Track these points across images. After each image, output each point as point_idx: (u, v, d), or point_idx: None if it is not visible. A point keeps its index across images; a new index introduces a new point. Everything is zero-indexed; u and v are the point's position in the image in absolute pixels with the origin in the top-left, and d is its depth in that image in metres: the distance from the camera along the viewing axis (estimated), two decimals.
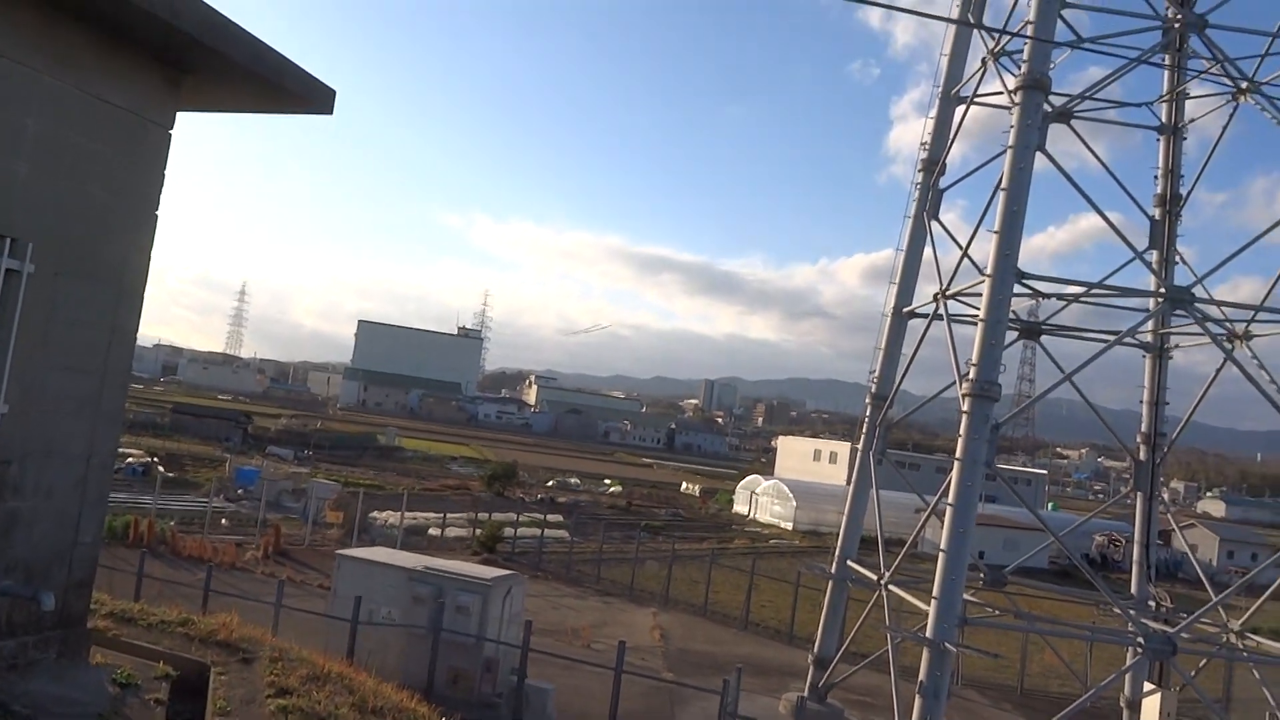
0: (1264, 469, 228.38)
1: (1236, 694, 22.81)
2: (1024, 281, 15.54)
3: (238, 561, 26.86)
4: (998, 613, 19.28)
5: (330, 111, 8.10)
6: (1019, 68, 15.77)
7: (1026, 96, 15.20)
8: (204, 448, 59.29)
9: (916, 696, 14.19)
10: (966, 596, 15.55)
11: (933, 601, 14.41)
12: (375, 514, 37.53)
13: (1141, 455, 19.51)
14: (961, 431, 14.67)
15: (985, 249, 15.35)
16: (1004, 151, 15.47)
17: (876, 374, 20.73)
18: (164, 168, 7.73)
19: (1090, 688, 17.49)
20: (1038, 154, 15.28)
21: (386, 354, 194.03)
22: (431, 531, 37.15)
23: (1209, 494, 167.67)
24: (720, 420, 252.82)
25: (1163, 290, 16.86)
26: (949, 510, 14.52)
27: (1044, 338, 18.17)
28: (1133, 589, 19.76)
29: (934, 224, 19.26)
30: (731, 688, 15.37)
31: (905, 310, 20.43)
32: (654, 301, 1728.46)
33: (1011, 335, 16.55)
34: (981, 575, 18.38)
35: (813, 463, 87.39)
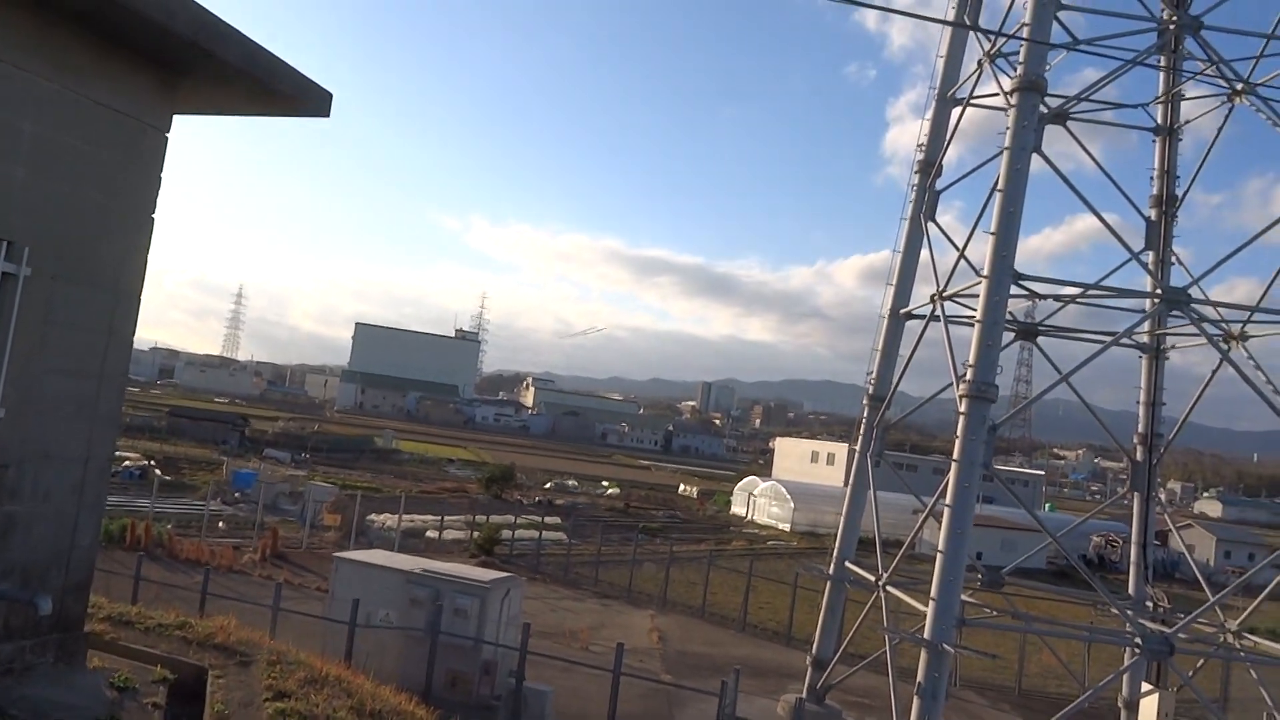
0: (1260, 469, 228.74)
1: (1234, 694, 22.83)
2: (1020, 283, 15.56)
3: (235, 564, 26.82)
4: (995, 613, 19.30)
5: (327, 114, 8.11)
6: (1015, 69, 15.80)
7: (1022, 98, 15.23)
8: (201, 451, 59.19)
9: (914, 697, 14.19)
10: (964, 597, 15.56)
11: (930, 602, 14.42)
12: (373, 517, 37.49)
13: (1138, 456, 19.53)
14: (959, 433, 14.69)
15: (982, 250, 15.38)
16: (1000, 153, 15.50)
17: (874, 375, 20.75)
18: (161, 171, 7.73)
19: (1088, 688, 17.50)
20: (1034, 155, 15.31)
21: (384, 357, 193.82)
22: (429, 534, 37.11)
23: (1206, 494, 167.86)
24: (718, 422, 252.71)
25: (1159, 291, 16.89)
26: (946, 511, 14.53)
27: (1041, 339, 18.20)
28: (1130, 589, 19.78)
29: (931, 225, 19.28)
30: (730, 689, 15.37)
31: (902, 312, 20.46)
32: (651, 303, 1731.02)
33: (1008, 336, 16.58)
34: (979, 576, 18.40)
35: (810, 464, 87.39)
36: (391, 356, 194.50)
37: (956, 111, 19.79)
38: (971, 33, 19.03)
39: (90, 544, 7.47)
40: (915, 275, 20.73)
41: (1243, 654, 17.67)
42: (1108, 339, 17.28)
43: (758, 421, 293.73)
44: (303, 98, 7.75)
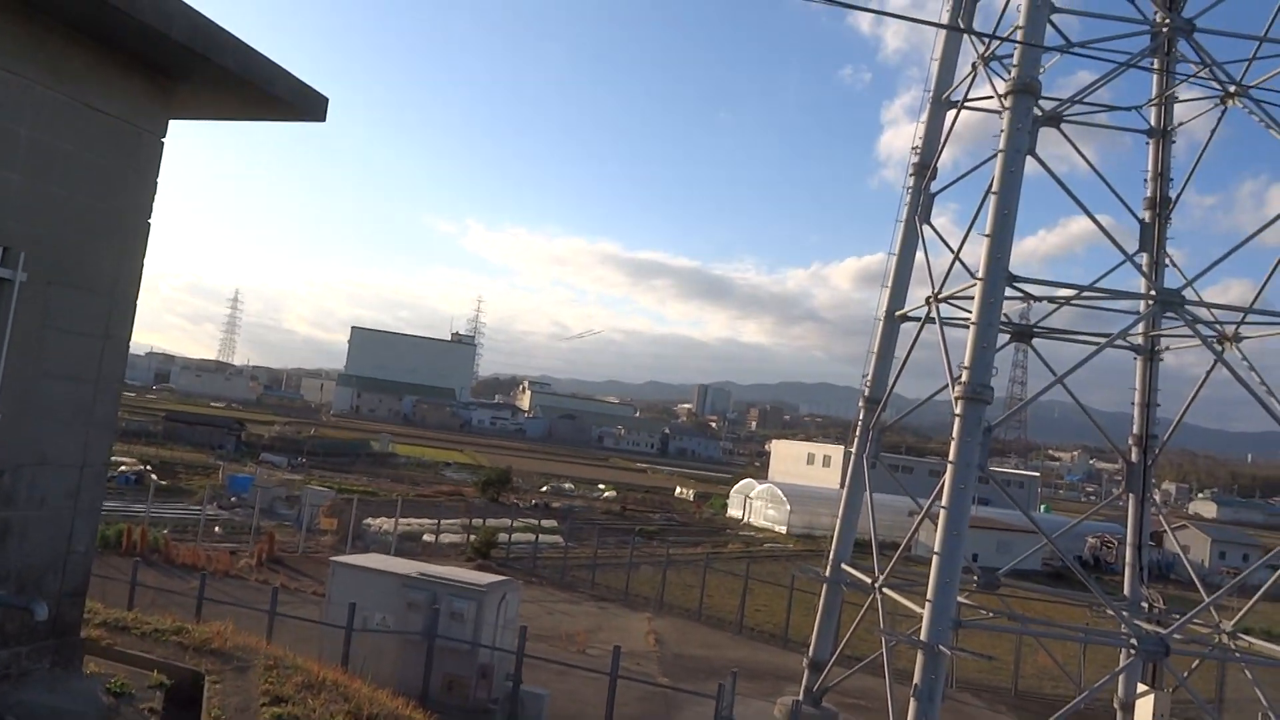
0: (1255, 470, 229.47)
1: (1229, 694, 22.90)
2: (1015, 284, 15.61)
3: (232, 569, 26.77)
4: (991, 615, 19.35)
5: (323, 118, 8.11)
6: (1009, 72, 15.87)
7: (1016, 101, 15.29)
8: (197, 455, 59.05)
9: (911, 699, 14.21)
10: (960, 599, 15.60)
11: (927, 604, 14.44)
12: (369, 521, 37.45)
13: (1133, 457, 19.59)
14: (954, 434, 14.73)
15: (977, 252, 15.44)
16: (994, 155, 15.55)
17: (869, 377, 20.79)
18: (157, 176, 7.73)
19: (1084, 689, 17.53)
20: (1028, 158, 15.37)
21: (380, 360, 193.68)
22: (426, 538, 37.07)
23: (1200, 495, 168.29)
24: (714, 425, 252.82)
25: (1153, 293, 16.96)
26: (942, 513, 14.56)
27: (1035, 340, 18.27)
28: (1125, 590, 19.83)
29: (925, 228, 19.34)
30: (726, 692, 15.37)
31: (898, 314, 20.50)
32: (647, 306, 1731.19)
33: (1003, 338, 16.63)
34: (975, 578, 18.43)
35: (806, 466, 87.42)
36: (387, 360, 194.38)
37: (951, 114, 19.84)
38: (966, 36, 19.11)
39: (86, 549, 7.46)
40: (910, 278, 20.78)
41: (1238, 654, 17.72)
42: (1102, 340, 17.33)
43: (754, 424, 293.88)
44: (299, 103, 7.75)
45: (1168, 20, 17.28)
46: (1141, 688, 18.23)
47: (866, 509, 19.55)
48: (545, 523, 43.71)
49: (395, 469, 73.03)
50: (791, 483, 70.73)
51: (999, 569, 19.84)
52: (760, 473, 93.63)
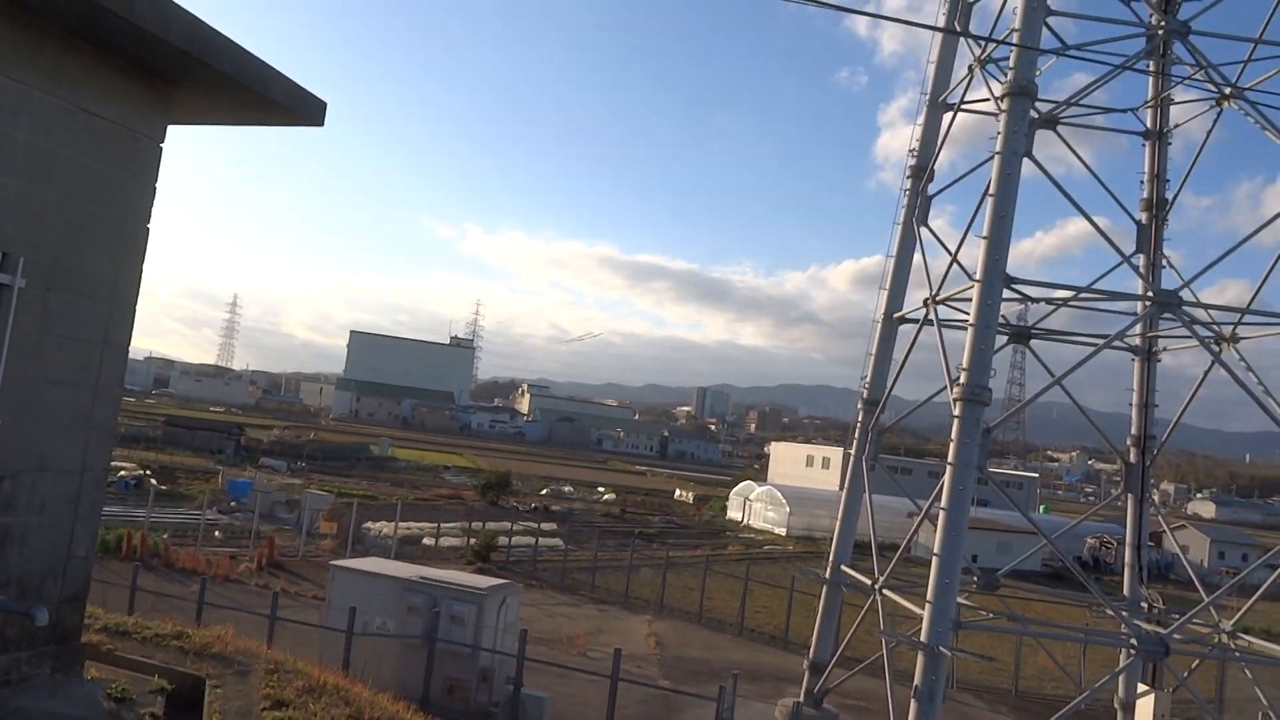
0: (1253, 470, 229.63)
1: (1229, 694, 22.91)
2: (1013, 286, 15.63)
3: (232, 574, 26.75)
4: (991, 616, 19.36)
5: (321, 123, 8.13)
6: (1005, 75, 15.90)
7: (1013, 103, 15.33)
8: (196, 460, 59.01)
9: (911, 700, 14.22)
10: (960, 600, 15.61)
11: (927, 605, 14.45)
12: (369, 524, 37.43)
13: (1131, 457, 19.62)
14: (953, 436, 14.74)
15: (974, 254, 15.46)
16: (991, 157, 15.58)
17: (868, 379, 20.81)
18: (155, 181, 7.75)
19: (1084, 689, 17.54)
20: (1025, 160, 15.40)
21: (379, 364, 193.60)
22: (425, 541, 37.06)
23: (1199, 495, 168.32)
24: (713, 427, 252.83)
25: (1150, 294, 16.99)
26: (941, 514, 14.58)
27: (1033, 342, 18.28)
28: (1125, 591, 19.84)
29: (923, 230, 19.37)
30: (727, 694, 15.37)
31: (896, 316, 20.52)
32: (645, 309, 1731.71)
33: (1001, 340, 16.64)
34: (975, 579, 18.44)
35: (805, 468, 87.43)
36: (386, 364, 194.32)
37: (948, 117, 19.89)
38: (962, 39, 19.15)
39: (86, 555, 7.46)
40: (908, 280, 20.81)
41: (1237, 654, 17.74)
42: (1100, 342, 17.36)
43: (753, 426, 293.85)
44: (297, 107, 7.77)
45: (1163, 23, 17.32)
46: (1142, 688, 18.24)
47: (866, 511, 19.57)
48: (545, 526, 43.70)
49: (395, 473, 72.99)
50: (791, 485, 70.73)
51: (998, 570, 19.85)
52: (760, 475, 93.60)
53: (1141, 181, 19.96)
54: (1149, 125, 19.95)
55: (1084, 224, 16.34)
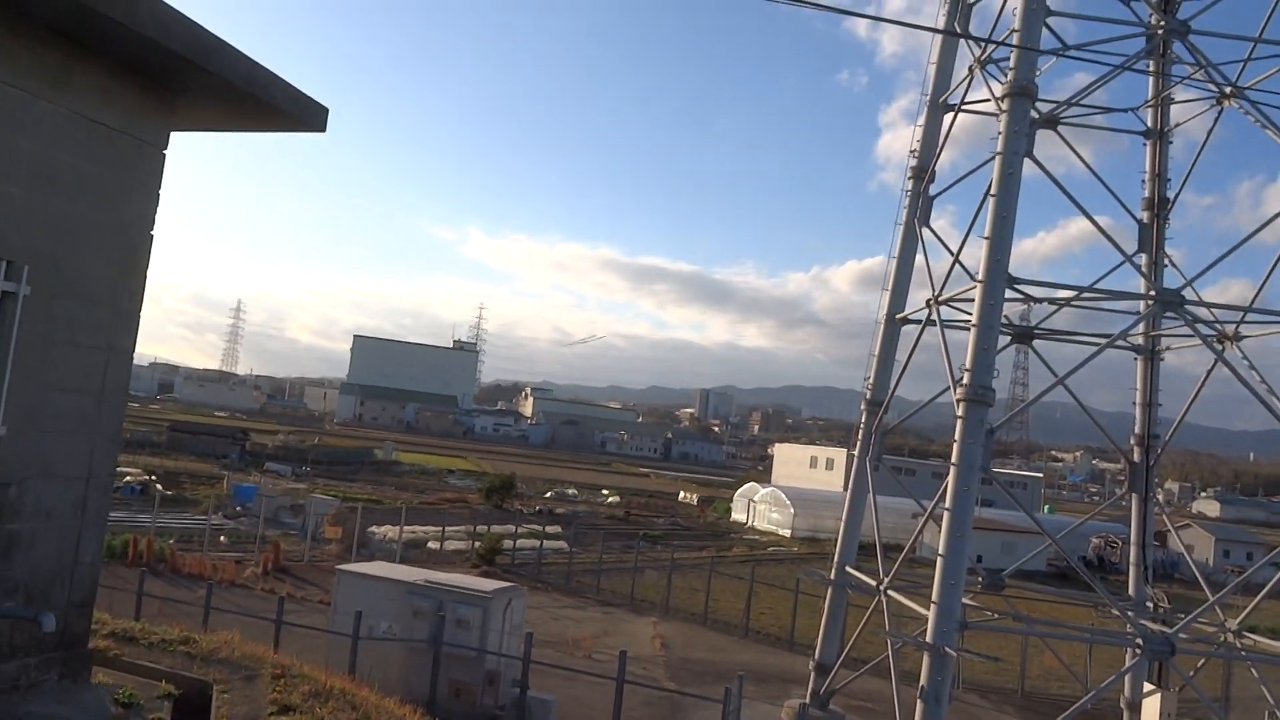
0: (1257, 468, 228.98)
1: (1235, 693, 22.85)
2: (1015, 286, 15.62)
3: (238, 578, 26.79)
4: (997, 616, 19.33)
5: (323, 128, 8.17)
6: (1005, 75, 15.90)
7: (1013, 103, 15.33)
8: (202, 465, 59.12)
9: (918, 701, 14.21)
10: (965, 600, 15.60)
11: (932, 606, 14.44)
12: (374, 529, 37.48)
13: (1135, 457, 19.58)
14: (957, 436, 14.73)
15: (976, 255, 15.45)
16: (993, 158, 15.58)
17: (871, 380, 20.80)
18: (159, 188, 7.79)
19: (1090, 689, 17.52)
20: (1026, 160, 15.40)
21: (382, 368, 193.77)
22: (430, 545, 37.09)
23: (1203, 494, 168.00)
24: (716, 429, 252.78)
25: (1152, 293, 16.97)
26: (946, 515, 14.56)
27: (1036, 342, 18.27)
28: (1130, 590, 19.81)
29: (925, 231, 19.36)
30: (733, 696, 15.38)
31: (898, 317, 20.51)
32: (648, 311, 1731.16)
33: (1004, 340, 16.63)
34: (980, 579, 18.42)
35: (809, 470, 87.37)
36: (390, 368, 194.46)
37: (948, 117, 19.87)
38: (962, 39, 19.15)
39: (93, 560, 7.49)
40: (910, 280, 20.78)
41: (1243, 653, 17.70)
42: (1103, 341, 17.34)
43: (756, 428, 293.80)
44: (299, 113, 7.81)
45: (1163, 22, 17.32)
46: (1148, 687, 18.20)
47: (870, 512, 19.55)
48: (549, 529, 43.72)
49: (399, 477, 73.06)
50: (795, 486, 70.67)
51: (1003, 570, 19.79)
52: (763, 476, 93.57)
53: (1143, 181, 19.94)
54: (1150, 125, 19.93)
55: (1085, 224, 16.33)
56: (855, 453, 21.15)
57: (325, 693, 9.15)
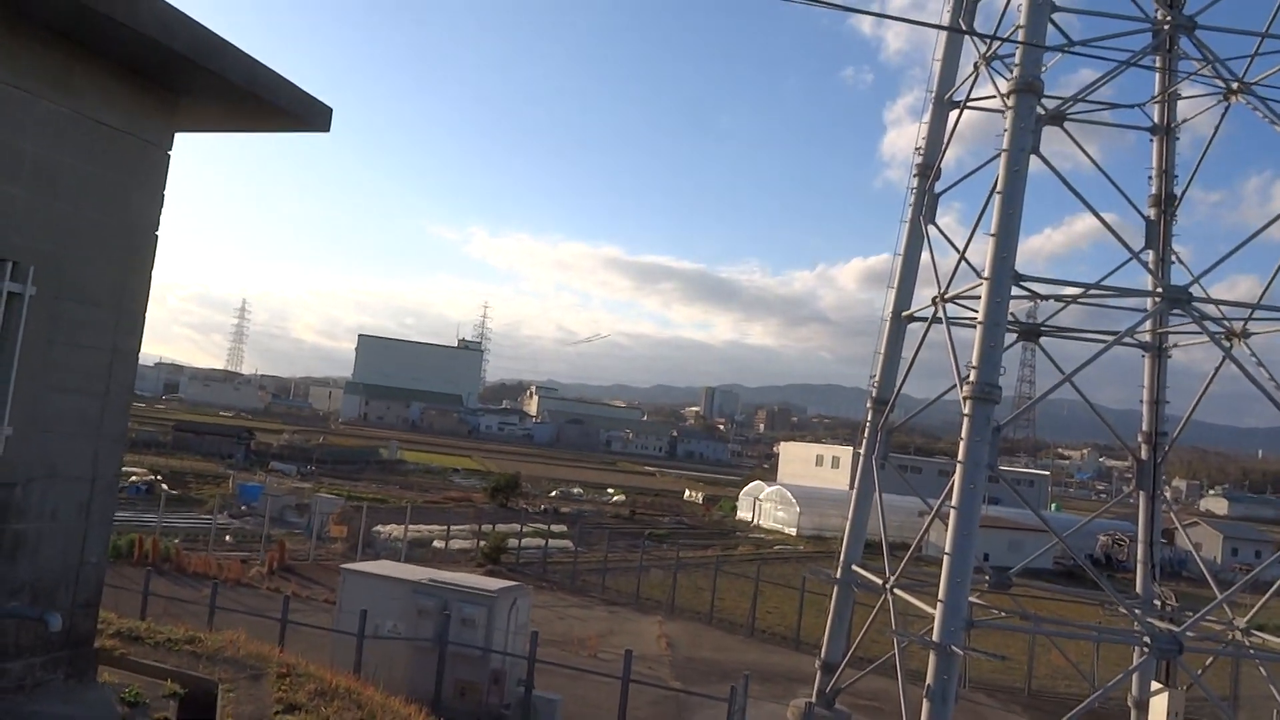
0: (1265, 466, 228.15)
1: (1244, 691, 22.76)
2: (1022, 283, 15.57)
3: (243, 578, 26.84)
4: (1004, 615, 19.25)
5: (327, 128, 8.15)
6: (1011, 72, 15.84)
7: (1019, 100, 15.26)
8: (207, 465, 59.27)
9: (924, 700, 14.17)
10: (972, 599, 15.54)
11: (938, 605, 14.40)
12: (379, 528, 37.51)
13: (1143, 454, 19.51)
14: (963, 434, 14.69)
15: (982, 252, 15.39)
16: (998, 155, 15.52)
17: (877, 378, 20.75)
18: (163, 188, 7.77)
19: (1098, 688, 17.45)
20: (1032, 156, 15.34)
21: (387, 368, 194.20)
22: (435, 544, 37.11)
23: (1211, 492, 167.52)
24: (722, 427, 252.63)
25: (1160, 290, 16.88)
26: (952, 513, 14.52)
27: (1043, 339, 18.20)
28: (1138, 588, 19.74)
29: (930, 228, 19.31)
30: (739, 695, 15.36)
31: (904, 314, 20.46)
32: (653, 310, 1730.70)
33: (1011, 337, 16.57)
34: (986, 577, 18.36)
35: (815, 468, 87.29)
36: (395, 367, 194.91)
37: (954, 114, 19.82)
38: (967, 36, 19.08)
39: (99, 560, 7.49)
40: (916, 278, 20.73)
41: (1252, 651, 17.62)
42: (1110, 338, 17.28)
43: (762, 426, 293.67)
44: (302, 113, 7.79)
45: (1169, 18, 17.24)
46: (1155, 686, 18.14)
47: (876, 510, 19.51)
48: (555, 527, 43.73)
49: (404, 476, 73.17)
50: (801, 484, 70.61)
51: (1010, 568, 19.74)
52: (769, 475, 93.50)
53: (1150, 177, 19.84)
54: (1156, 120, 19.84)
55: (1092, 220, 16.27)
56: (861, 451, 21.10)
57: (330, 692, 9.14)
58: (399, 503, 47.20)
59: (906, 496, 27.20)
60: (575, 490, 74.55)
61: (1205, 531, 66.28)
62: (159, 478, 46.87)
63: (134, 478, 43.70)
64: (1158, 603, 19.23)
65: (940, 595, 14.40)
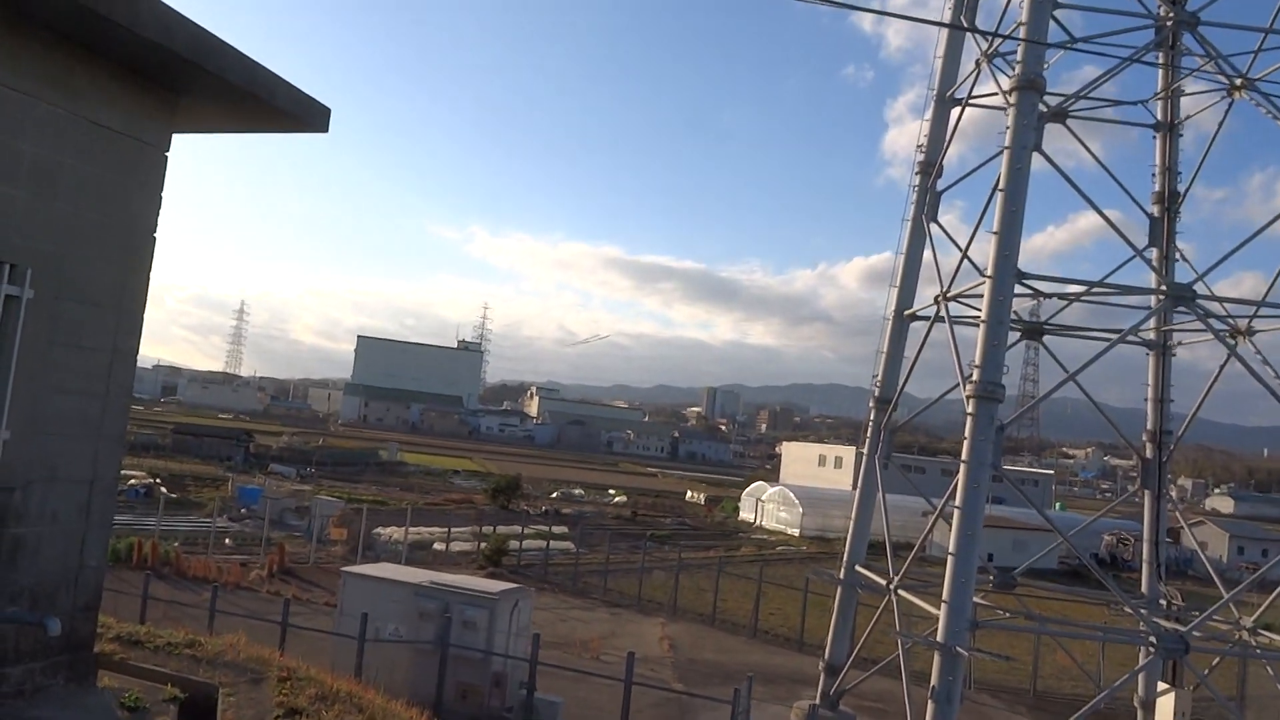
0: (1271, 464, 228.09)
1: (1250, 691, 22.69)
2: (1025, 282, 15.51)
3: (243, 581, 26.80)
4: (1008, 615, 19.21)
5: (325, 129, 8.11)
6: (1013, 69, 15.78)
7: (1021, 97, 15.21)
8: (206, 467, 59.24)
9: (929, 701, 14.11)
10: (976, 599, 15.48)
11: (943, 605, 14.34)
12: (379, 530, 37.48)
13: (1148, 453, 19.44)
14: (967, 433, 14.63)
15: (985, 250, 15.34)
16: (1000, 152, 15.47)
17: (879, 378, 20.69)
18: (161, 189, 7.73)
19: (1104, 688, 17.39)
20: (1035, 154, 15.28)
21: (387, 369, 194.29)
22: (436, 546, 37.08)
23: (1217, 490, 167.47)
24: (723, 428, 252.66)
25: (1164, 287, 16.82)
26: (956, 513, 14.46)
27: (1046, 337, 18.14)
28: (1143, 588, 19.67)
29: (933, 226, 19.25)
30: (742, 697, 15.30)
31: (906, 313, 20.40)
32: (654, 310, 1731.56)
33: (1014, 336, 16.52)
34: (991, 577, 18.30)
35: (818, 468, 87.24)
36: (394, 369, 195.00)
37: (955, 112, 19.76)
38: (969, 33, 19.03)
39: (98, 564, 7.44)
40: (918, 277, 20.68)
41: (1258, 651, 17.55)
42: (1114, 336, 17.21)
43: (764, 426, 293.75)
44: (301, 114, 7.75)
45: (1171, 14, 17.19)
46: (1162, 686, 18.06)
47: (880, 510, 19.45)
48: (556, 529, 43.68)
49: (404, 478, 73.14)
50: (803, 485, 70.56)
51: (1015, 568, 19.68)
52: (771, 475, 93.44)
53: (1153, 174, 19.79)
54: (1159, 117, 19.79)
55: (1095, 218, 16.23)
56: (864, 451, 21.04)
57: (332, 695, 9.09)
58: (399, 505, 47.17)
59: (910, 496, 27.13)
60: (576, 491, 74.53)
61: (1211, 530, 66.21)
62: (158, 481, 46.85)
63: (133, 481, 43.69)
64: (1163, 602, 19.16)
65: (944, 596, 14.34)
